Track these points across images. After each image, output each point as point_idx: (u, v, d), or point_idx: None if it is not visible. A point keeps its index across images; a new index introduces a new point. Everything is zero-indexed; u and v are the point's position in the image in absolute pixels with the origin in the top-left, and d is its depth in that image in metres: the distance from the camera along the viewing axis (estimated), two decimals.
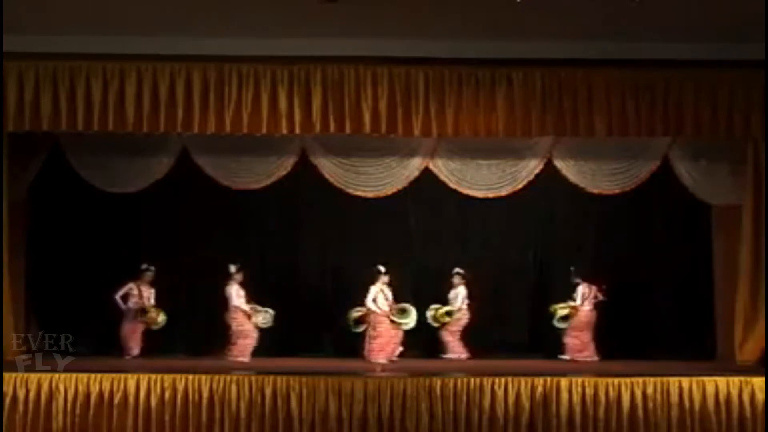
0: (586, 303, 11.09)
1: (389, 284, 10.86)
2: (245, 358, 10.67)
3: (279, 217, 11.93)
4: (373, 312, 10.71)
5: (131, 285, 11.14)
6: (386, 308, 10.72)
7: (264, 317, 10.88)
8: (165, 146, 10.97)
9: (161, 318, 11.07)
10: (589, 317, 11.10)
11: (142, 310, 11.02)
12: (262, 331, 11.01)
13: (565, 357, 11.00)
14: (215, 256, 11.33)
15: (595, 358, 10.94)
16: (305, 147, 11.03)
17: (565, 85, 9.99)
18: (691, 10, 9.09)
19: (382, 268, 10.82)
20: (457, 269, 11.23)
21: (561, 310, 11.07)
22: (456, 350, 11.12)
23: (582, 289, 11.13)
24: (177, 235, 11.76)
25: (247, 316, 10.83)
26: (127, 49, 9.84)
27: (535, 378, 9.09)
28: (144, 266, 11.20)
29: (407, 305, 10.85)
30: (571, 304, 11.09)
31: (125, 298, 11.13)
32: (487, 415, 8.96)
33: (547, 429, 8.98)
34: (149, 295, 11.18)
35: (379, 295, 10.78)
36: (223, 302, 10.90)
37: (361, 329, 10.86)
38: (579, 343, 11.05)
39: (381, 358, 10.59)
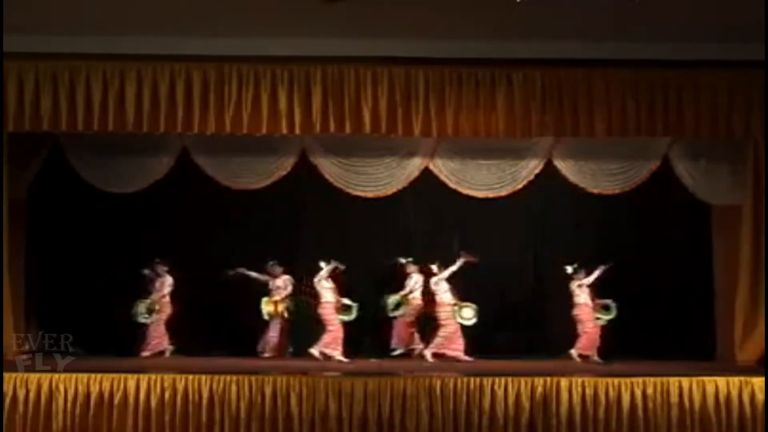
0: (417, 292, 11.16)
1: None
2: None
3: (279, 217, 11.93)
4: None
5: (267, 278, 11.17)
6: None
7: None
8: (165, 146, 10.97)
9: (281, 308, 11.06)
10: (419, 308, 11.19)
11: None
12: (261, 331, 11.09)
13: (397, 350, 11.12)
14: (215, 255, 11.33)
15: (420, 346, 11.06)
16: (305, 147, 11.03)
17: (565, 85, 10.00)
18: (691, 10, 9.09)
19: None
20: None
21: (393, 297, 11.14)
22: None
23: (415, 278, 11.19)
24: (177, 235, 11.75)
25: (335, 310, 10.92)
26: (127, 49, 9.85)
27: (535, 378, 9.09)
28: (271, 262, 11.16)
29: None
30: (402, 293, 11.16)
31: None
32: (487, 415, 8.96)
33: (547, 429, 8.98)
34: (282, 285, 11.19)
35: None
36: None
37: None
38: (410, 334, 11.14)
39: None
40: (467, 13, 9.25)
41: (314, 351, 10.74)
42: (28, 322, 10.86)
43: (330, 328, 10.84)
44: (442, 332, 10.86)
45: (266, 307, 11.06)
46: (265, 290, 11.26)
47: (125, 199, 11.14)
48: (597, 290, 11.13)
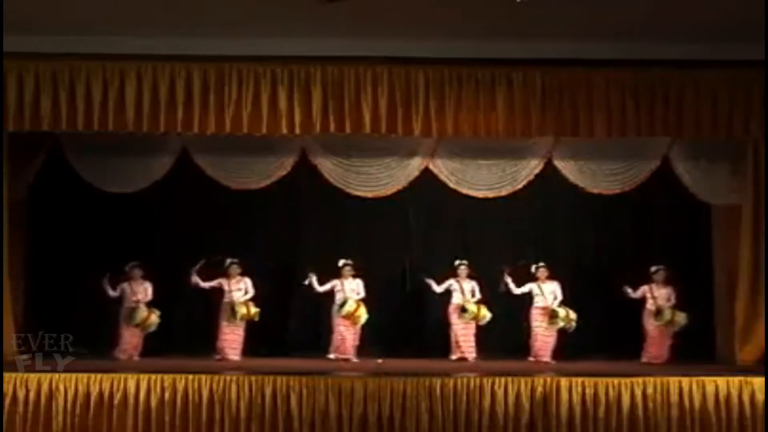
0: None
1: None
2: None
3: (279, 217, 11.93)
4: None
5: (221, 280, 11.05)
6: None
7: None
8: (165, 146, 10.95)
9: (254, 311, 10.88)
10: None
11: (232, 309, 10.84)
12: (262, 331, 11.08)
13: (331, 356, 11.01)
14: (215, 256, 11.32)
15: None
16: (305, 147, 11.02)
17: (565, 85, 10.00)
18: (691, 10, 9.09)
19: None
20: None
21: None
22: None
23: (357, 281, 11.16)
24: (177, 235, 11.75)
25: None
26: (127, 49, 9.84)
27: (535, 378, 9.10)
28: (229, 260, 11.07)
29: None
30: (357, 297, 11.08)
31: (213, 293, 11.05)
32: (487, 415, 8.96)
33: (547, 429, 8.99)
34: (241, 288, 11.04)
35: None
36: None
37: None
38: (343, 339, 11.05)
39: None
40: (467, 13, 9.24)
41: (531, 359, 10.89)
42: (28, 322, 10.85)
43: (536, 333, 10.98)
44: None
45: (240, 310, 10.82)
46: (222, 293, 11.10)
47: (125, 199, 11.14)
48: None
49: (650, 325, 10.94)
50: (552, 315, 10.84)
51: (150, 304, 10.97)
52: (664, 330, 10.87)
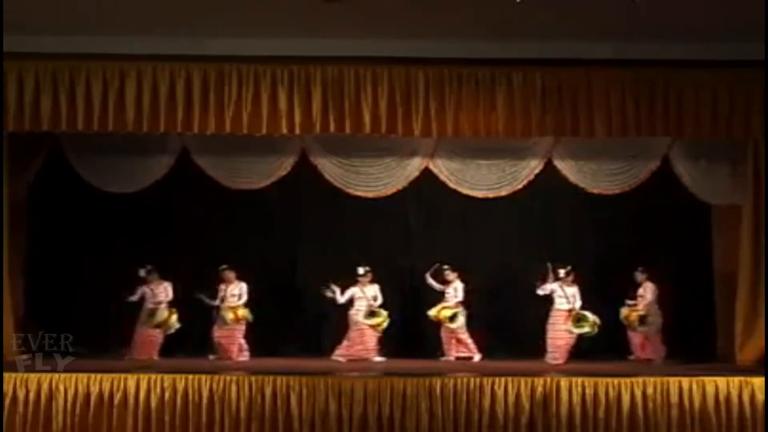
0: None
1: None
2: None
3: (279, 217, 11.93)
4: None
5: (221, 286, 11.04)
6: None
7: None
8: (165, 146, 10.96)
9: (241, 313, 10.83)
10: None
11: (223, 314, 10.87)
12: (262, 331, 11.09)
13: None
14: (215, 256, 11.33)
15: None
16: (305, 147, 11.03)
17: (565, 85, 10.00)
18: (691, 10, 9.09)
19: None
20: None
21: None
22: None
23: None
24: (177, 235, 11.75)
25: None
26: (127, 49, 9.85)
27: (535, 378, 9.09)
28: (223, 266, 11.04)
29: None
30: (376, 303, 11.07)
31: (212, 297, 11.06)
32: (487, 415, 8.96)
33: (547, 429, 8.98)
34: (236, 294, 10.99)
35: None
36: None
37: None
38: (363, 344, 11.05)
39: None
40: (467, 13, 9.25)
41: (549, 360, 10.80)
42: (28, 322, 10.84)
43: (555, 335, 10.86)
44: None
45: (228, 315, 10.81)
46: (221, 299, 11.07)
47: (125, 199, 11.14)
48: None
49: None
50: (578, 318, 10.71)
51: (170, 304, 11.00)
52: (643, 333, 10.93)
